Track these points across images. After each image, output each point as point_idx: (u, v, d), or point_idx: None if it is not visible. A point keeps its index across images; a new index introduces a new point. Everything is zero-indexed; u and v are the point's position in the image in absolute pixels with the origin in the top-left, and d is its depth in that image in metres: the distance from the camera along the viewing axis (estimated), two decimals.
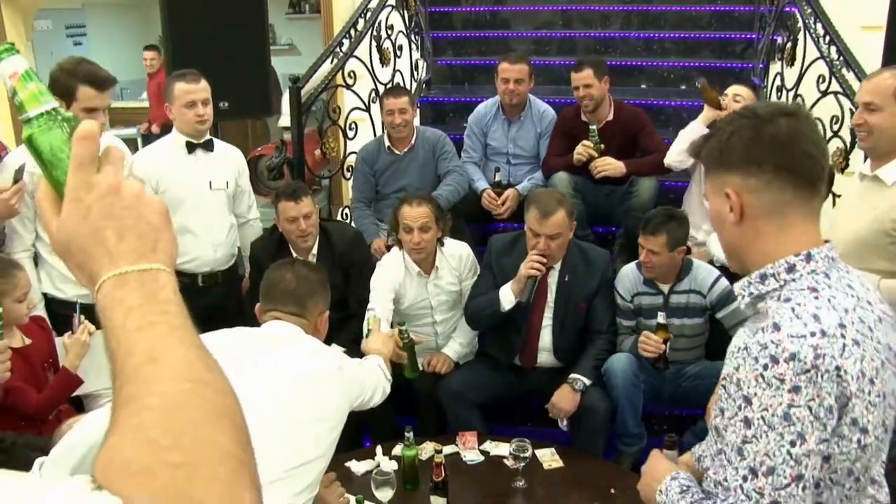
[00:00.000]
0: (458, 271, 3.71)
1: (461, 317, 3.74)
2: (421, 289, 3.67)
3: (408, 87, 5.26)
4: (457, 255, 3.72)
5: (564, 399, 3.41)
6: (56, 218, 0.77)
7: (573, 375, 3.43)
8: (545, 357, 3.60)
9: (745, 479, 1.31)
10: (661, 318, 3.29)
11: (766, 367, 1.28)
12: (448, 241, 3.72)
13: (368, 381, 2.42)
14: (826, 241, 1.41)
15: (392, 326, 3.40)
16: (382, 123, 4.48)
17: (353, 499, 2.65)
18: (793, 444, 1.27)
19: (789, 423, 1.27)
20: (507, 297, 3.41)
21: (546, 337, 3.57)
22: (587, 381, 3.41)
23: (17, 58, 0.83)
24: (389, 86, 4.75)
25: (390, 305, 3.58)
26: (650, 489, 1.63)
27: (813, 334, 1.28)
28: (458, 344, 3.70)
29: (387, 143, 4.40)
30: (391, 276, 3.62)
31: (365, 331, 3.28)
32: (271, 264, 2.52)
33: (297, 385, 2.06)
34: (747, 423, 1.30)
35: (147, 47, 8.12)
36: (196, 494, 0.59)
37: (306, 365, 2.12)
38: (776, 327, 1.30)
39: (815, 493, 1.32)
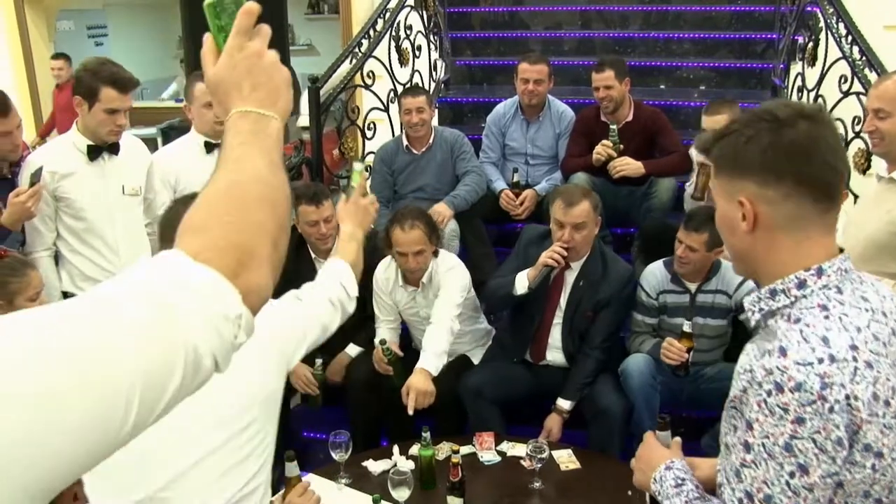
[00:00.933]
0: (440, 283, 3.58)
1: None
2: (409, 299, 3.66)
3: (426, 87, 5.26)
4: (447, 267, 3.59)
5: (555, 424, 3.45)
6: (213, 65, 1.02)
7: (559, 403, 3.46)
8: (555, 355, 3.59)
9: (740, 501, 1.27)
10: (686, 326, 3.27)
11: (769, 393, 1.22)
12: (445, 260, 3.61)
13: (305, 326, 1.96)
14: (841, 251, 1.34)
15: (382, 343, 3.48)
16: (401, 123, 4.49)
17: (370, 498, 2.65)
18: (792, 475, 1.22)
19: (791, 454, 1.21)
20: (522, 282, 3.44)
21: (556, 335, 3.58)
22: (568, 408, 3.45)
23: None
24: (408, 86, 4.76)
25: (395, 317, 3.73)
26: (644, 476, 1.61)
27: (821, 361, 1.21)
28: (433, 355, 3.38)
29: (405, 142, 4.40)
30: (380, 284, 3.68)
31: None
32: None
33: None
34: (747, 447, 1.25)
35: (55, 56, 7.29)
36: (235, 240, 0.85)
37: None
38: (783, 352, 1.23)
39: None
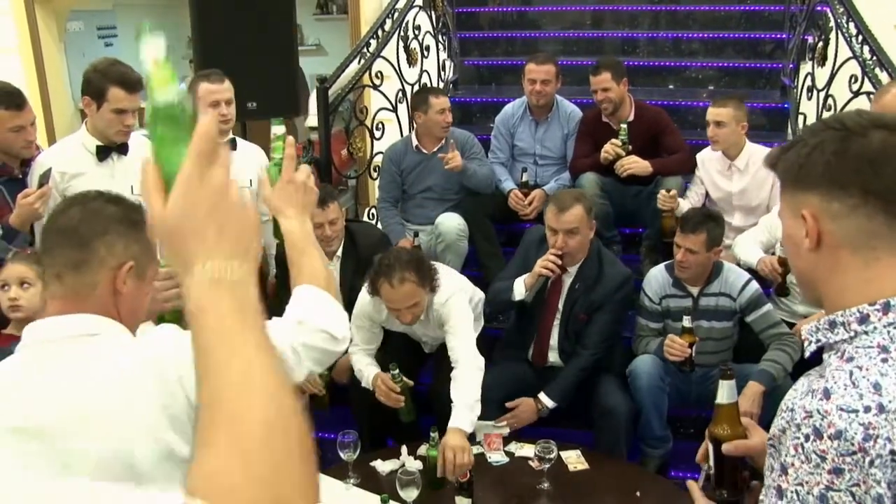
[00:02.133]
0: (441, 317, 3.36)
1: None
2: (406, 328, 3.51)
3: (435, 87, 5.26)
4: (443, 299, 3.31)
5: (525, 410, 3.43)
6: (162, 204, 0.82)
7: (541, 397, 3.44)
8: (555, 357, 3.60)
9: None
10: (686, 321, 3.27)
11: (807, 437, 1.11)
12: (441, 279, 3.30)
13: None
14: None
15: (387, 370, 3.25)
16: (410, 123, 4.49)
17: (378, 498, 2.66)
18: None
19: None
20: (520, 288, 3.44)
21: (555, 336, 3.58)
22: (550, 405, 3.42)
23: (160, 39, 0.86)
24: (422, 86, 4.74)
25: (376, 345, 3.48)
26: None
27: (867, 409, 1.08)
28: (465, 408, 3.04)
29: (415, 142, 4.40)
30: (373, 312, 3.40)
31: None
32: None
33: None
34: (780, 493, 1.15)
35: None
36: (242, 486, 0.69)
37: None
38: (826, 394, 1.11)
39: None
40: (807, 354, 1.25)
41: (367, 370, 3.37)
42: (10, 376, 1.36)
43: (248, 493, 0.68)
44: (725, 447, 1.58)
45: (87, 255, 1.42)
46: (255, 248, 0.83)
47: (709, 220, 3.34)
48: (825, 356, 1.21)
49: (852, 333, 1.16)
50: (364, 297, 3.34)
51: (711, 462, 1.64)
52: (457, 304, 3.31)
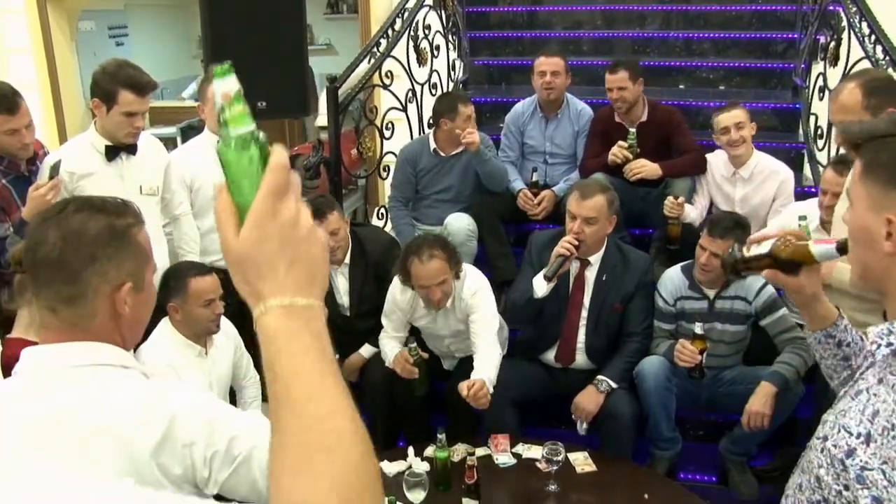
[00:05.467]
0: (469, 307, 3.45)
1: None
2: (430, 319, 3.57)
3: (445, 87, 5.26)
4: (471, 291, 3.44)
5: (587, 399, 3.40)
6: (234, 232, 0.82)
7: (599, 377, 3.42)
8: (581, 358, 3.58)
9: None
10: (698, 328, 3.25)
11: None
12: (469, 272, 3.48)
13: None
14: None
15: (405, 344, 3.44)
16: (420, 123, 4.49)
17: (385, 500, 2.64)
18: None
19: None
20: (540, 284, 3.39)
21: (582, 336, 3.56)
22: (613, 384, 3.40)
23: (233, 79, 0.88)
24: (457, 93, 4.73)
25: (404, 333, 3.58)
26: None
27: None
28: (490, 365, 3.23)
29: (432, 145, 4.39)
30: (398, 304, 3.53)
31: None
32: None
33: None
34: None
35: None
36: None
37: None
38: None
39: None
40: (878, 357, 1.21)
41: (391, 352, 3.53)
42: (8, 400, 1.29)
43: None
44: (768, 273, 1.50)
45: (80, 288, 1.33)
46: (321, 277, 0.86)
47: (737, 227, 3.30)
48: None
49: None
50: (395, 288, 3.49)
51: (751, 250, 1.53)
52: (486, 297, 3.43)
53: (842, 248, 1.33)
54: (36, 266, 1.35)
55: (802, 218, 3.34)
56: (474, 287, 3.43)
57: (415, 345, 3.33)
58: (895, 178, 1.17)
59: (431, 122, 4.70)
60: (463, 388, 3.03)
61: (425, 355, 3.46)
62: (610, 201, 3.39)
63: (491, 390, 3.08)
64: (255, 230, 0.81)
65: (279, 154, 0.83)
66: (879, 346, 1.19)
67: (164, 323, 3.03)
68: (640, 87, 4.27)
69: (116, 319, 1.37)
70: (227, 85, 0.88)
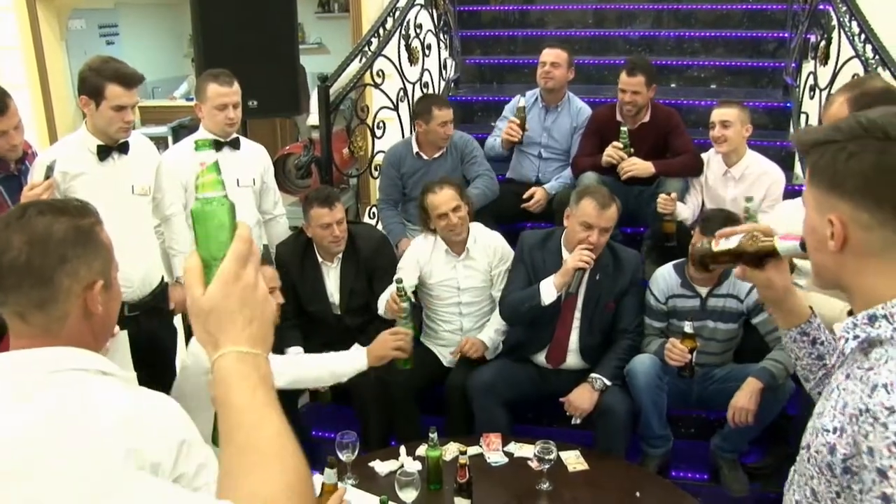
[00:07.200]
0: (490, 258, 3.73)
1: (491, 308, 3.76)
2: (449, 268, 3.70)
3: (436, 86, 5.26)
4: (491, 246, 3.74)
5: (582, 397, 3.40)
6: (201, 289, 0.98)
7: (593, 374, 3.43)
8: (573, 358, 3.58)
9: None
10: (688, 327, 3.25)
11: None
12: (482, 229, 3.77)
13: None
14: None
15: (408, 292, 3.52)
16: (411, 123, 4.48)
17: (377, 499, 2.65)
18: None
19: None
20: (549, 291, 3.39)
21: (574, 337, 3.56)
22: (607, 382, 3.41)
23: (212, 152, 1.04)
24: (430, 93, 4.73)
25: (414, 280, 3.71)
26: None
27: None
28: (493, 331, 3.69)
29: (415, 148, 4.37)
30: (418, 252, 3.74)
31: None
32: None
33: None
34: (886, 500, 1.10)
35: None
36: None
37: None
38: None
39: None
40: (847, 351, 1.25)
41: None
42: None
43: None
44: (738, 271, 1.57)
45: (51, 291, 1.31)
46: (270, 334, 1.02)
47: (729, 223, 3.31)
48: (874, 353, 1.20)
49: None
50: (416, 241, 3.85)
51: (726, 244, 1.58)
52: (505, 254, 3.76)
53: (804, 245, 1.37)
54: (1, 273, 1.31)
55: (749, 200, 3.53)
56: (495, 241, 3.76)
57: (402, 285, 3.32)
58: (833, 182, 1.22)
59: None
60: (465, 343, 3.62)
61: (414, 300, 3.60)
62: (619, 208, 3.43)
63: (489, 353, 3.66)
64: (222, 288, 0.97)
65: (244, 228, 1.00)
66: (847, 340, 1.24)
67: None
68: (653, 93, 4.26)
69: (89, 319, 1.36)
70: (205, 156, 1.02)
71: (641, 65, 4.26)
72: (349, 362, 3.08)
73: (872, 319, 1.21)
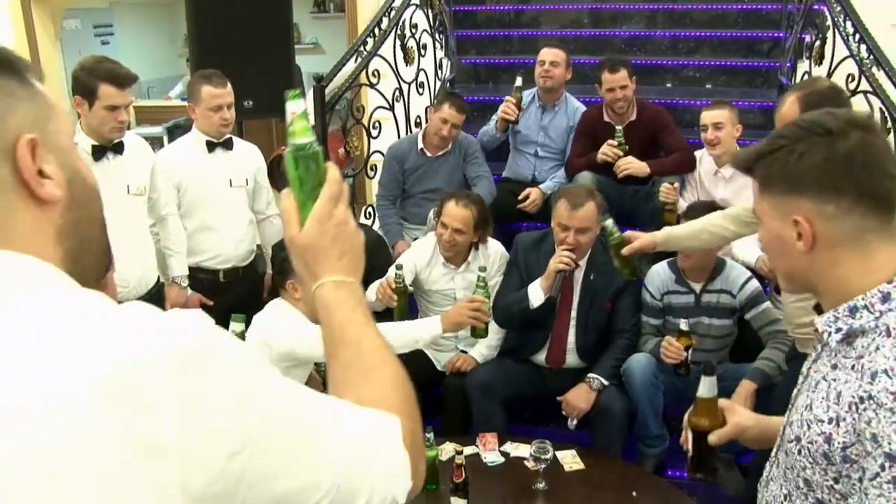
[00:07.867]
0: (489, 268, 3.61)
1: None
2: (447, 279, 3.69)
3: (432, 85, 5.25)
4: (490, 255, 3.72)
5: (579, 397, 3.41)
6: (297, 227, 1.07)
7: (591, 374, 3.44)
8: (571, 358, 3.58)
9: None
10: (683, 324, 3.26)
11: None
12: (491, 243, 3.76)
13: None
14: None
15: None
16: (407, 122, 4.48)
17: None
18: None
19: None
20: (537, 294, 3.39)
21: (572, 337, 3.56)
22: (604, 381, 3.41)
23: (302, 101, 1.10)
24: (456, 95, 4.74)
25: (409, 281, 3.65)
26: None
27: None
28: (484, 347, 3.65)
29: (420, 144, 4.40)
30: (416, 257, 3.72)
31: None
32: None
33: None
34: None
35: None
36: (417, 434, 0.99)
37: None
38: None
39: None
40: (832, 344, 1.28)
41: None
42: None
43: (404, 410, 0.98)
44: (712, 438, 1.71)
45: None
46: (361, 265, 1.12)
47: (710, 210, 3.32)
48: (860, 343, 1.23)
49: (877, 314, 1.22)
50: (419, 240, 3.88)
51: (690, 446, 1.80)
52: (504, 264, 3.71)
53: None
54: None
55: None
56: (493, 249, 3.74)
57: (401, 272, 3.32)
58: (790, 183, 1.27)
59: (418, 121, 4.69)
60: (457, 359, 3.63)
61: (409, 287, 3.60)
62: (599, 205, 3.39)
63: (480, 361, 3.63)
64: (316, 227, 1.06)
65: (334, 170, 1.09)
66: (830, 333, 1.27)
67: (277, 305, 2.98)
68: (634, 86, 4.31)
69: (42, 209, 0.85)
70: (295, 105, 1.09)
71: (620, 60, 4.35)
72: (426, 329, 2.97)
73: (853, 311, 1.25)
